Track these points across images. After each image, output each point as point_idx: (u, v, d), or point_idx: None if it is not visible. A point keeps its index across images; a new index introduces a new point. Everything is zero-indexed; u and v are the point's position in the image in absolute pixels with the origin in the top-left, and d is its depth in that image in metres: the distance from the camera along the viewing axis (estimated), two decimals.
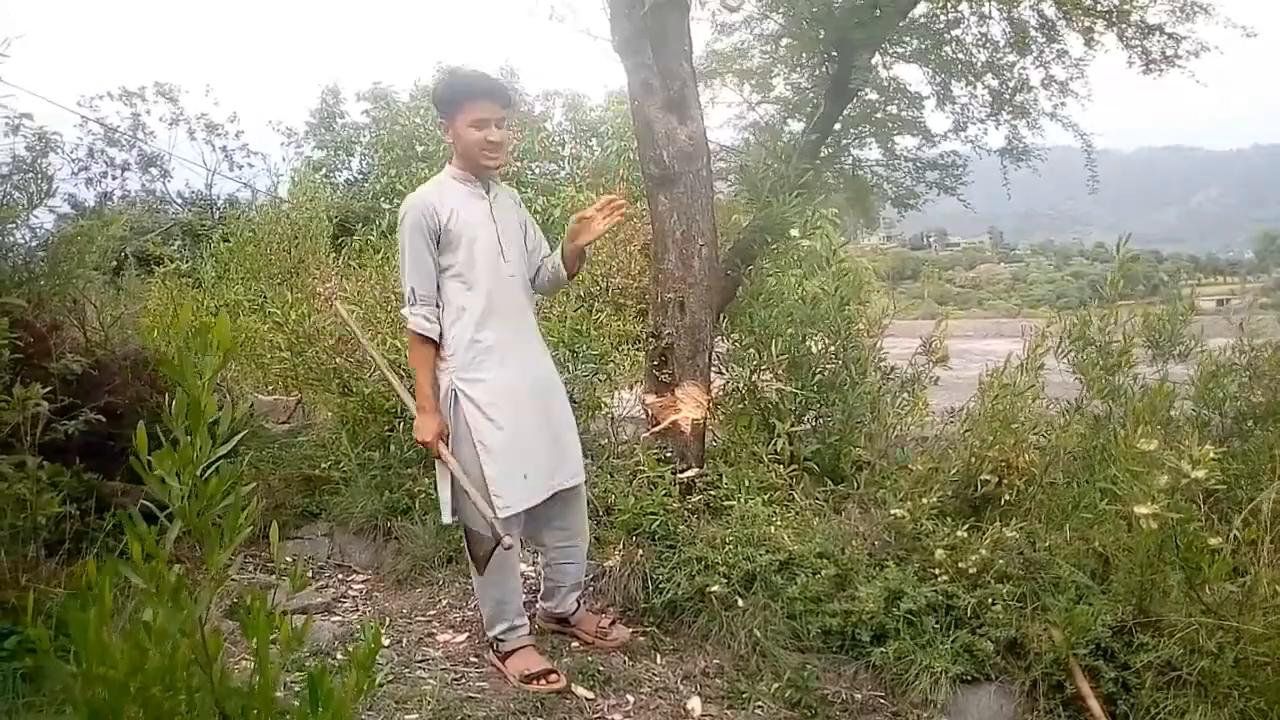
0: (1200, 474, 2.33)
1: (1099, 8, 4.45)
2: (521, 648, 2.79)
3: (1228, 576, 2.44)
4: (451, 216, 2.66)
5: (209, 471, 1.12)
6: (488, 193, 2.78)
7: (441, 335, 2.70)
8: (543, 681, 2.67)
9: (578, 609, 3.06)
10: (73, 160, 17.02)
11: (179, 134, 18.37)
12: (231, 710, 1.12)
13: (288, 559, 3.72)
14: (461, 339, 2.67)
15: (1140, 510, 2.35)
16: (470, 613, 3.24)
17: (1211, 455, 2.37)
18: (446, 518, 2.75)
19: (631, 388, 4.55)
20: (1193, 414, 3.50)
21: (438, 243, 2.67)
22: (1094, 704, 2.39)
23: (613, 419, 4.33)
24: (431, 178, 2.85)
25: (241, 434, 1.18)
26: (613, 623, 3.02)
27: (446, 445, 2.68)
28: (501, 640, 2.80)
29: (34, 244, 3.99)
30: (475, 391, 2.66)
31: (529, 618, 2.96)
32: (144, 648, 1.01)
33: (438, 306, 2.71)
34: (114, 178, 18.18)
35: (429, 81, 19.45)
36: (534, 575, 3.39)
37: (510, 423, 2.69)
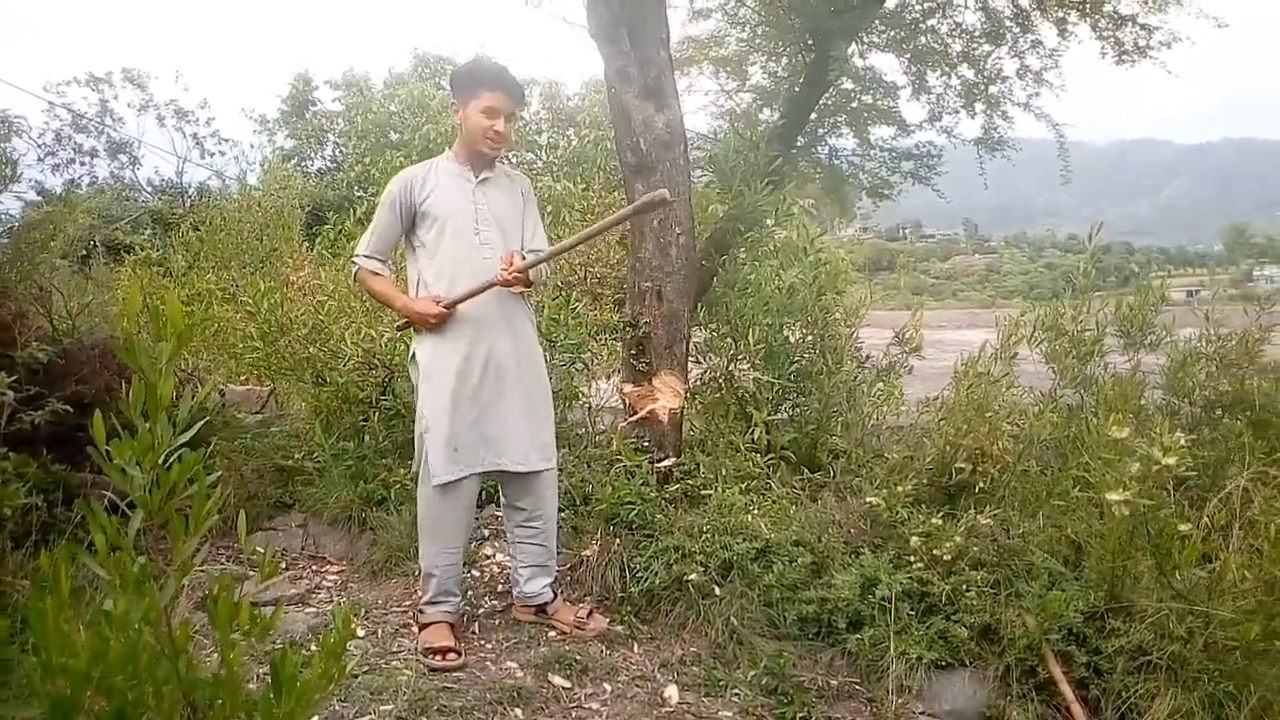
0: (1171, 461, 2.36)
1: None
2: (437, 622, 2.84)
3: (1197, 562, 2.47)
4: (430, 196, 2.83)
5: (170, 460, 1.09)
6: (476, 177, 2.91)
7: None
8: (438, 657, 2.72)
9: (555, 599, 3.06)
10: (39, 146, 16.71)
11: (148, 121, 18.17)
12: (199, 700, 1.10)
13: (259, 549, 3.67)
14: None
15: (1112, 497, 2.38)
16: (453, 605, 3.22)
17: (1182, 443, 2.40)
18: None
19: (609, 378, 4.54)
20: (1163, 402, 3.55)
21: (413, 217, 2.86)
22: (1066, 688, 2.42)
23: (590, 409, 4.32)
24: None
25: (204, 420, 1.16)
26: (590, 613, 3.01)
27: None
28: (422, 611, 2.88)
29: None
30: (422, 357, 2.84)
31: (511, 605, 3.04)
32: (105, 637, 0.99)
33: (384, 263, 2.93)
34: (82, 164, 17.90)
35: (404, 69, 19.31)
36: (510, 566, 3.38)
37: (449, 394, 2.77)
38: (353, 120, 17.12)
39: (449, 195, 2.85)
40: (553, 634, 2.98)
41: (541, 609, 3.05)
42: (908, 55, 4.86)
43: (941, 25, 4.82)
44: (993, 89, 4.94)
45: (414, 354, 2.90)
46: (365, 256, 2.88)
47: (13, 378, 2.94)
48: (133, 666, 1.02)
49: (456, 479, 2.80)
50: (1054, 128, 4.93)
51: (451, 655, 2.73)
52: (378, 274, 2.88)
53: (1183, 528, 2.41)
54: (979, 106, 4.99)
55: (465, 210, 2.85)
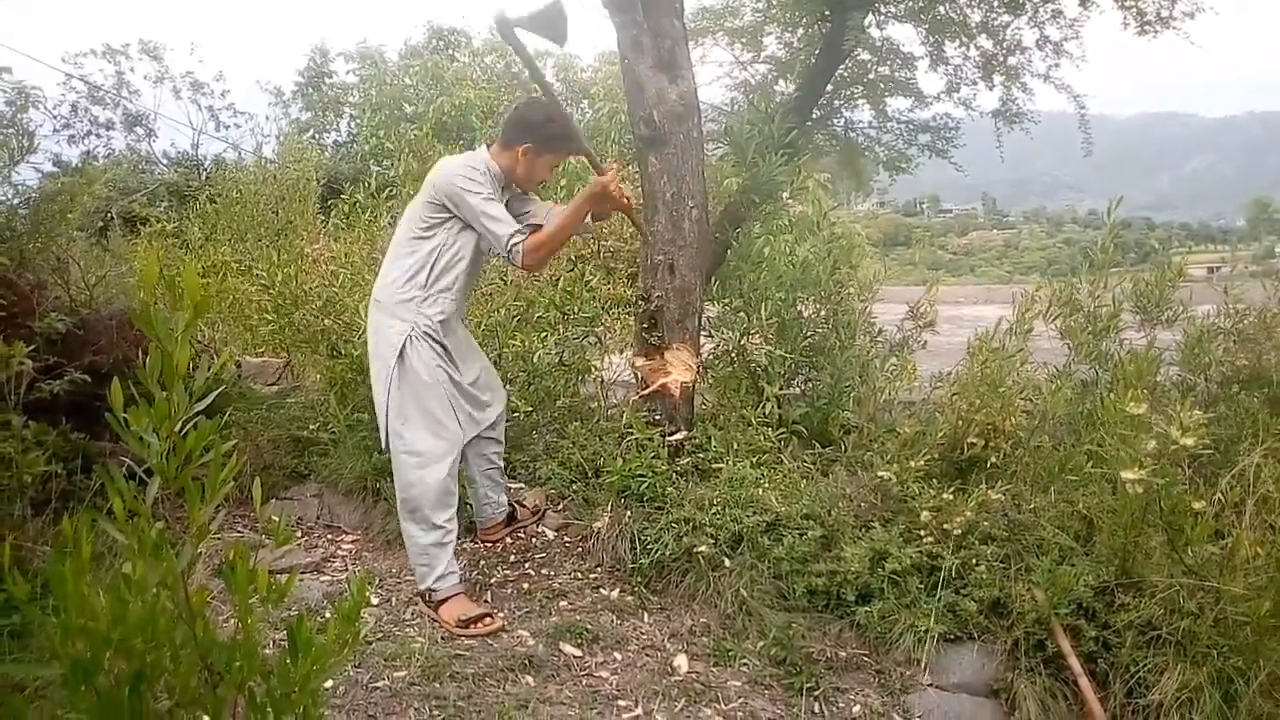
0: (1189, 441, 2.34)
1: None
2: (454, 595, 2.88)
3: (1210, 538, 2.46)
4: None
5: (187, 427, 1.11)
6: (505, 191, 3.04)
7: (434, 276, 2.90)
8: (479, 625, 2.78)
9: (513, 509, 3.43)
10: (55, 117, 16.75)
11: (164, 93, 18.09)
12: (216, 663, 1.13)
13: (274, 518, 3.71)
14: (449, 290, 2.92)
15: (1127, 475, 2.36)
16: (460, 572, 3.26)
17: (1201, 421, 2.38)
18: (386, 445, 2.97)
19: (621, 352, 4.54)
20: (1178, 379, 3.52)
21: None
22: (1074, 662, 2.43)
23: (602, 382, 4.33)
24: (472, 153, 3.02)
25: (220, 390, 1.17)
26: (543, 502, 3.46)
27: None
28: (434, 590, 2.89)
29: (16, 201, 3.93)
30: (446, 338, 2.94)
31: (521, 576, 3.07)
32: (124, 600, 1.01)
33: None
34: (98, 136, 17.90)
35: (418, 41, 19.20)
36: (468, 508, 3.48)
37: (466, 368, 3.04)
38: (367, 93, 17.07)
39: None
40: (564, 604, 3.02)
41: (510, 518, 3.41)
42: (925, 25, 4.78)
43: None
44: (1011, 60, 4.85)
45: (425, 333, 2.87)
46: (519, 235, 2.78)
47: (31, 347, 2.98)
48: (151, 629, 1.04)
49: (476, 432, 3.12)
50: (1074, 99, 4.86)
51: (488, 619, 2.81)
52: (535, 232, 2.85)
53: (1196, 504, 2.40)
54: (997, 78, 4.92)
55: None
